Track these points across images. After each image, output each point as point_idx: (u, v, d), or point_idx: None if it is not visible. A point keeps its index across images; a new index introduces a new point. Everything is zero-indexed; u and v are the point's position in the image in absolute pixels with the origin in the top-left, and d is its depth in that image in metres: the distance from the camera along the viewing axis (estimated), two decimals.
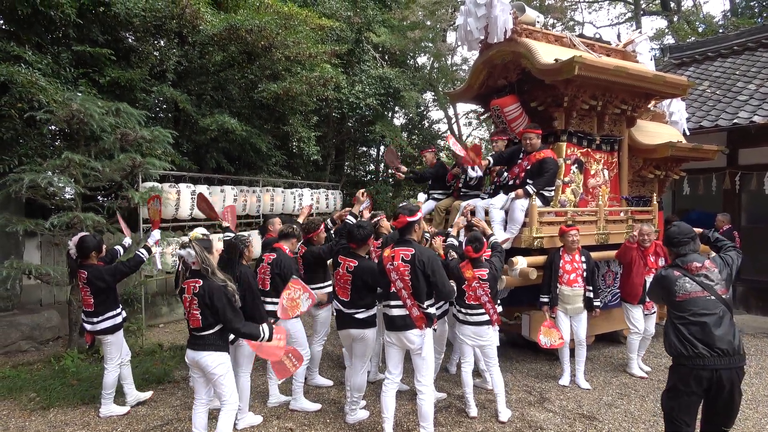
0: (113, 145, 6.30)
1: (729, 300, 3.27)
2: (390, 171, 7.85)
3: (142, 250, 4.98)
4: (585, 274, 5.55)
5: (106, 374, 4.81)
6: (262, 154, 10.59)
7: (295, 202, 10.52)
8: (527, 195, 5.78)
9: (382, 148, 16.24)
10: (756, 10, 19.63)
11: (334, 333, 4.79)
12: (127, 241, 5.42)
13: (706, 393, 3.22)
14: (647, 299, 5.69)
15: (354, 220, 4.90)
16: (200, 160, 10.07)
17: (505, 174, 6.20)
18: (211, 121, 8.64)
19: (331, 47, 10.51)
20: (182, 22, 8.68)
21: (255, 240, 7.85)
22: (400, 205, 4.20)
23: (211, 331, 3.70)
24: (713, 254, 3.55)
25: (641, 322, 5.81)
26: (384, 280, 4.10)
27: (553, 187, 6.11)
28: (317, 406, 4.96)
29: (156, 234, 5.23)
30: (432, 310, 4.12)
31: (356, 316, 4.36)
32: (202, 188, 8.41)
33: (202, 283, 3.65)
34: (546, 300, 5.57)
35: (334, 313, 4.64)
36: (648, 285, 5.58)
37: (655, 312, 5.95)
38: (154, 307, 8.54)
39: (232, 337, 4.10)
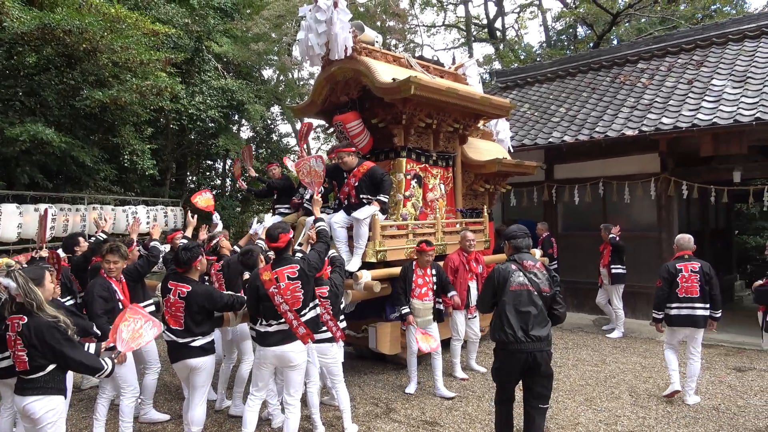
0: None
1: (549, 297, 3.81)
2: (243, 176, 7.62)
3: None
4: (435, 287, 5.71)
5: None
6: (87, 168, 9.56)
7: (128, 220, 9.64)
8: (383, 206, 5.88)
9: (228, 161, 15.65)
10: (565, 43, 22.50)
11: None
12: None
13: (526, 371, 3.78)
14: (471, 304, 6.10)
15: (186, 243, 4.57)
16: (9, 174, 8.79)
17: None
18: (21, 131, 7.58)
19: (166, 55, 9.86)
20: None
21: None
22: (273, 225, 4.08)
23: (41, 374, 3.15)
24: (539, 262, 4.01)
25: (464, 328, 6.19)
26: (267, 303, 3.90)
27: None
28: None
29: None
30: (314, 313, 4.07)
31: (193, 344, 4.06)
32: (11, 207, 7.35)
33: (26, 321, 3.11)
34: (407, 311, 5.54)
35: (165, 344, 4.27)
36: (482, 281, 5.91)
37: (477, 316, 6.32)
38: None
39: None
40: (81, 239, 5.65)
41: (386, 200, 5.94)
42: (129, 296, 4.62)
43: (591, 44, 19.22)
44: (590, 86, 10.89)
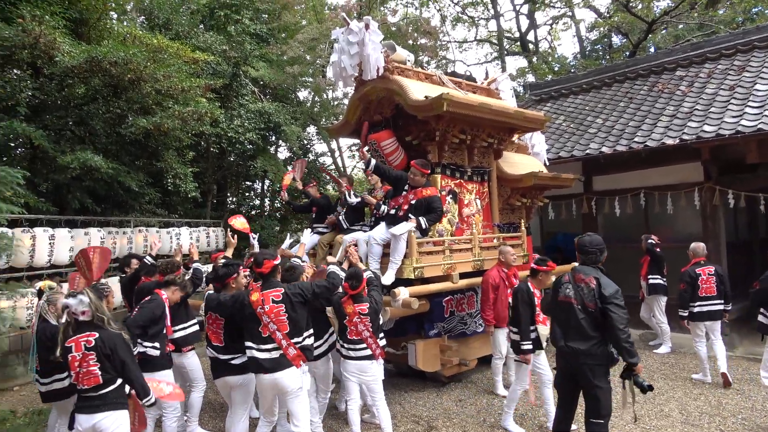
0: None
1: (595, 312, 3.81)
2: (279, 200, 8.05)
3: None
4: None
5: None
6: (133, 193, 9.93)
7: (172, 241, 9.95)
8: (419, 227, 5.87)
9: (266, 182, 15.99)
10: (600, 53, 22.19)
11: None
12: None
13: (573, 380, 3.97)
14: None
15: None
16: (62, 200, 9.22)
17: (383, 207, 6.26)
18: (71, 159, 7.96)
19: (206, 81, 10.22)
20: (35, 52, 7.99)
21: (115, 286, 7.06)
22: (260, 251, 4.32)
23: (112, 387, 3.32)
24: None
25: (505, 346, 5.91)
26: (253, 324, 3.98)
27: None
28: None
29: None
30: (309, 342, 4.12)
31: (233, 362, 4.17)
32: (63, 232, 7.70)
33: (98, 335, 3.29)
34: (530, 346, 4.86)
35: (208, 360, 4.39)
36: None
37: None
38: (5, 367, 7.55)
39: None
40: (134, 260, 5.84)
41: (425, 225, 5.87)
42: (172, 318, 4.76)
43: (627, 53, 18.91)
44: (627, 96, 10.70)
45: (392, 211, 6.14)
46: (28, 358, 7.82)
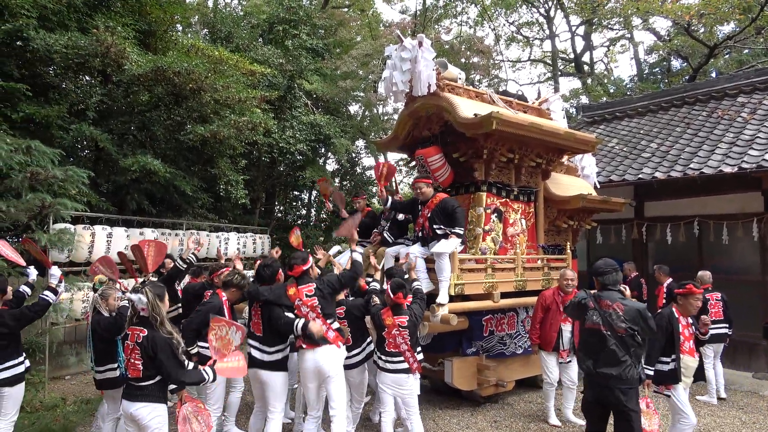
0: (21, 184, 5.96)
1: (626, 337, 3.87)
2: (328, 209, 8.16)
3: (47, 292, 4.62)
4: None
5: None
6: (187, 197, 10.33)
7: (220, 245, 10.26)
8: (460, 239, 5.86)
9: (313, 192, 16.30)
10: (659, 77, 21.63)
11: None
12: (32, 275, 4.97)
13: (602, 405, 4.02)
14: (562, 347, 5.82)
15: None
16: (121, 201, 9.69)
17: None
18: (132, 162, 8.38)
19: (261, 93, 10.57)
20: (106, 60, 8.50)
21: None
22: (293, 255, 4.61)
23: (150, 382, 3.53)
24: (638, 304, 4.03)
25: (556, 371, 5.84)
26: (293, 312, 4.45)
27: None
28: None
29: (55, 271, 4.81)
30: (336, 325, 4.55)
31: (264, 357, 4.46)
32: (120, 230, 8.08)
33: (147, 333, 3.50)
34: (669, 368, 4.50)
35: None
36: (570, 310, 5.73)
37: (571, 360, 5.89)
38: (59, 357, 7.95)
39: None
40: (167, 260, 6.07)
41: (462, 232, 5.92)
42: None
43: (686, 77, 18.35)
44: (684, 121, 10.39)
45: (419, 233, 6.20)
46: (81, 350, 8.23)
